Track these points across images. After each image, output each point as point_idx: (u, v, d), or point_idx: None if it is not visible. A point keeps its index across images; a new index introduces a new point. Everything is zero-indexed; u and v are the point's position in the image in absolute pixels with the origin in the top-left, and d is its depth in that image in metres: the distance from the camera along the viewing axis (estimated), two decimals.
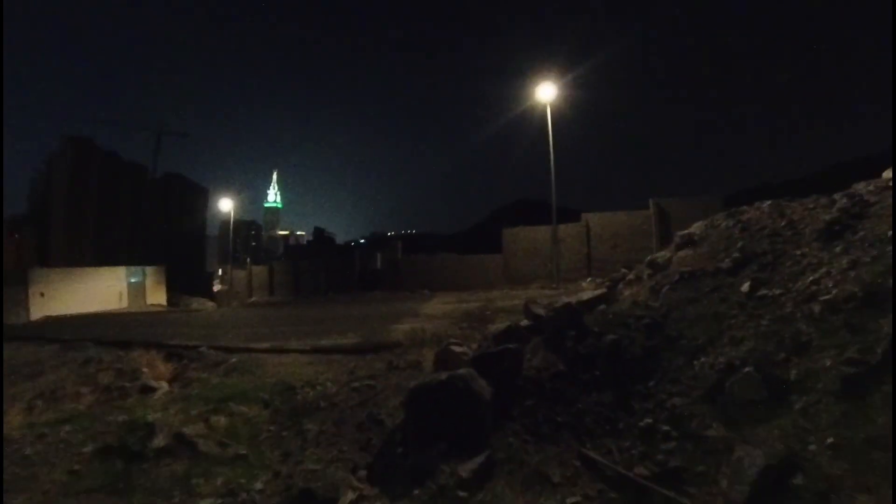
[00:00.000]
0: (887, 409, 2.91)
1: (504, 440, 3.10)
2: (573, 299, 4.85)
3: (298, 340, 7.63)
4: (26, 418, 6.27)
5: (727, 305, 4.58)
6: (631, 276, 6.95)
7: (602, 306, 4.85)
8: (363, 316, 11.18)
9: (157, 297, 30.09)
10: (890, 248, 4.23)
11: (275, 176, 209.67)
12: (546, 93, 19.36)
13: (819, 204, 6.49)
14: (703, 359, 3.93)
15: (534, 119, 20.96)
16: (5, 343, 11.81)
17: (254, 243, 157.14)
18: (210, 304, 33.18)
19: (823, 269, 4.61)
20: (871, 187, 5.96)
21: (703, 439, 3.30)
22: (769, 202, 7.32)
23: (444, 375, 3.15)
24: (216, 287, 47.71)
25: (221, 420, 4.61)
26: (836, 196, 6.35)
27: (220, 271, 57.25)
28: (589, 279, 17.74)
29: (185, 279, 38.12)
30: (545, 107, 19.52)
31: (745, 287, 4.77)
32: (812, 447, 2.96)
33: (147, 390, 6.72)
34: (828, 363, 3.50)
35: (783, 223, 6.06)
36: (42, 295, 23.88)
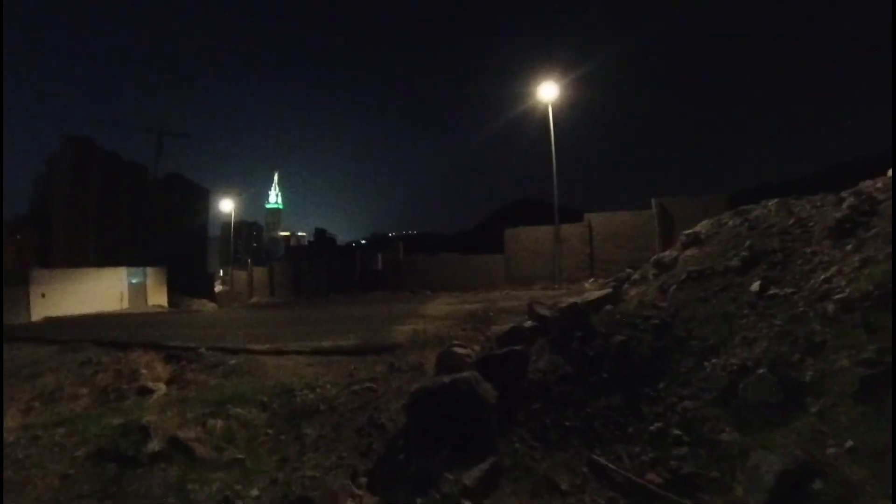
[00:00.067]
0: None
1: (510, 446, 2.99)
2: (579, 299, 4.73)
3: (298, 342, 7.52)
4: (24, 419, 6.18)
5: (737, 305, 4.47)
6: (636, 276, 6.83)
7: (608, 307, 4.73)
8: (364, 317, 11.06)
9: (158, 297, 30.00)
10: None
11: (276, 177, 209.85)
12: (548, 92, 19.26)
13: (827, 202, 6.38)
14: (714, 360, 3.81)
15: (535, 119, 20.87)
16: (5, 343, 11.75)
17: (255, 244, 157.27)
18: (211, 305, 33.12)
19: (835, 268, 4.51)
20: (878, 185, 5.85)
21: (716, 444, 3.19)
22: (776, 200, 7.21)
23: (447, 378, 3.03)
24: (217, 288, 47.66)
25: (218, 423, 4.49)
26: (844, 194, 6.25)
27: (221, 272, 57.21)
28: (591, 279, 17.61)
29: (187, 280, 38.05)
30: (546, 106, 19.42)
31: (756, 286, 4.66)
32: (831, 451, 2.85)
33: (145, 392, 6.62)
34: (844, 364, 3.39)
35: (792, 221, 5.95)
36: (43, 295, 23.80)
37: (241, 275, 35.72)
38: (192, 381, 6.68)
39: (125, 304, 27.20)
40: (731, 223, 7.15)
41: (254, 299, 31.09)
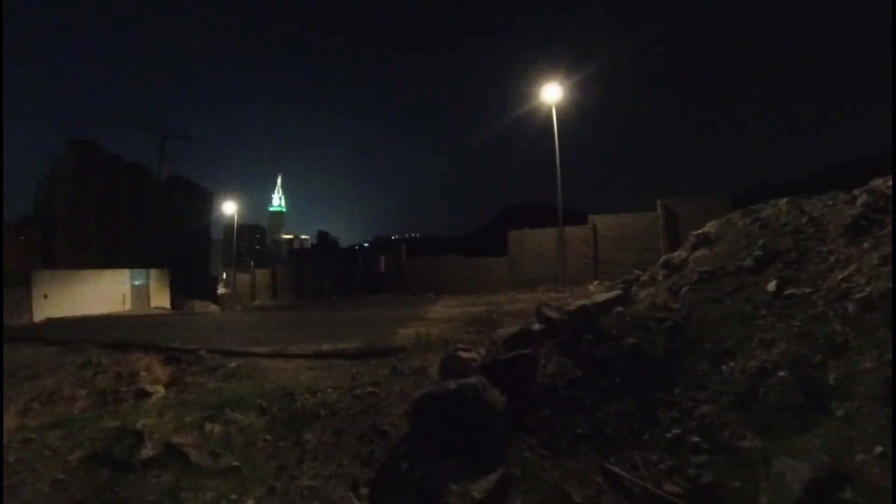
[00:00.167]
0: None
1: (519, 454, 2.82)
2: (588, 301, 4.57)
3: (299, 345, 7.39)
4: (21, 421, 6.08)
5: (753, 306, 4.31)
6: (645, 278, 6.67)
7: (618, 309, 4.57)
8: (366, 319, 10.93)
9: (160, 299, 30.01)
10: None
11: (279, 180, 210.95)
12: (551, 94, 19.16)
13: (839, 200, 6.27)
14: (731, 363, 3.65)
15: (537, 120, 20.77)
16: (6, 344, 11.71)
17: (258, 247, 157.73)
18: (214, 308, 33.06)
19: (853, 266, 4.38)
20: (889, 183, 5.77)
21: (736, 451, 3.02)
22: (785, 200, 7.10)
23: (452, 384, 2.88)
24: (220, 290, 47.67)
25: (216, 428, 4.35)
26: (856, 192, 6.16)
27: (224, 274, 57.31)
28: (596, 282, 17.43)
29: (190, 282, 38.09)
30: (549, 108, 19.31)
31: (772, 286, 4.51)
32: (860, 457, 2.70)
33: (143, 395, 6.51)
34: (868, 365, 3.25)
35: (805, 220, 5.82)
36: (45, 296, 23.86)
37: (244, 277, 35.68)
38: (191, 384, 6.57)
39: (128, 306, 27.24)
40: (740, 223, 7.01)
41: (256, 302, 31.03)
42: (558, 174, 18.56)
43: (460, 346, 5.02)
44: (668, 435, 3.13)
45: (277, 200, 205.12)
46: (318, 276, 28.82)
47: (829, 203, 6.28)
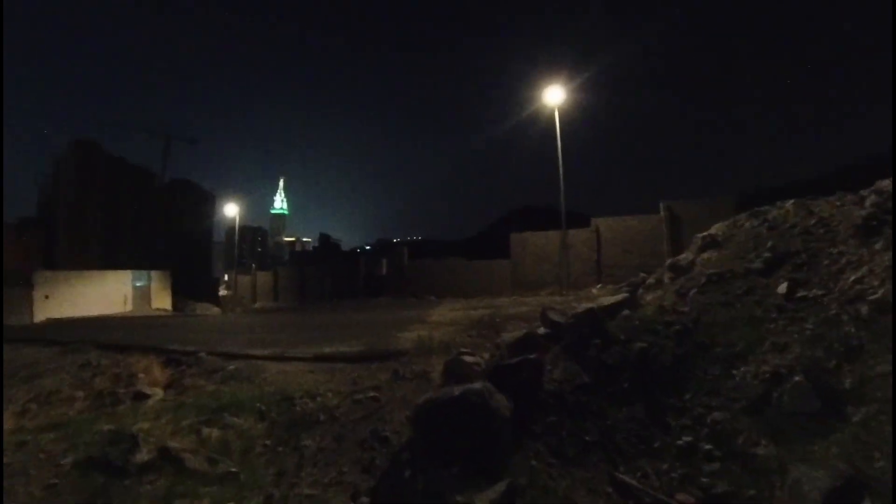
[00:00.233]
0: None
1: (525, 463, 2.72)
2: (594, 305, 4.46)
3: (300, 347, 7.29)
4: (18, 422, 6.01)
5: (764, 309, 4.21)
6: (651, 280, 6.57)
7: (625, 312, 4.46)
8: (368, 322, 10.83)
9: (162, 301, 29.96)
10: None
11: (281, 183, 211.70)
12: (554, 96, 19.09)
13: (846, 201, 6.20)
14: (743, 367, 3.55)
15: (539, 123, 20.70)
16: (6, 345, 11.67)
17: (260, 249, 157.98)
18: (215, 310, 32.99)
19: (866, 268, 4.29)
20: None
21: (751, 458, 2.92)
22: (792, 201, 7.04)
23: (457, 390, 2.77)
24: (222, 292, 47.59)
25: (213, 432, 4.26)
26: (863, 192, 6.12)
27: (226, 277, 57.26)
28: (599, 285, 17.31)
29: (191, 284, 37.99)
30: (550, 110, 19.24)
31: (782, 288, 4.42)
32: (879, 464, 2.61)
33: (141, 397, 6.43)
34: (884, 369, 3.17)
35: (814, 221, 5.74)
36: (46, 297, 23.84)
37: (245, 279, 35.63)
38: (190, 387, 6.48)
39: (129, 307, 27.20)
40: (747, 224, 6.93)
41: (257, 304, 30.99)
42: (561, 177, 18.47)
43: (463, 350, 4.92)
44: (680, 442, 3.03)
45: (279, 203, 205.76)
46: (320, 278, 28.75)
47: (838, 204, 6.21)
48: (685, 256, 6.48)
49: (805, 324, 3.81)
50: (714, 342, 3.81)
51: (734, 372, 3.49)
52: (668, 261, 6.66)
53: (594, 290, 15.78)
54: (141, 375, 7.49)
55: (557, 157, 18.59)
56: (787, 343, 3.64)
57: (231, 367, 6.81)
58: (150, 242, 42.70)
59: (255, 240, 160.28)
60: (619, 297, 4.88)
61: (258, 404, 4.79)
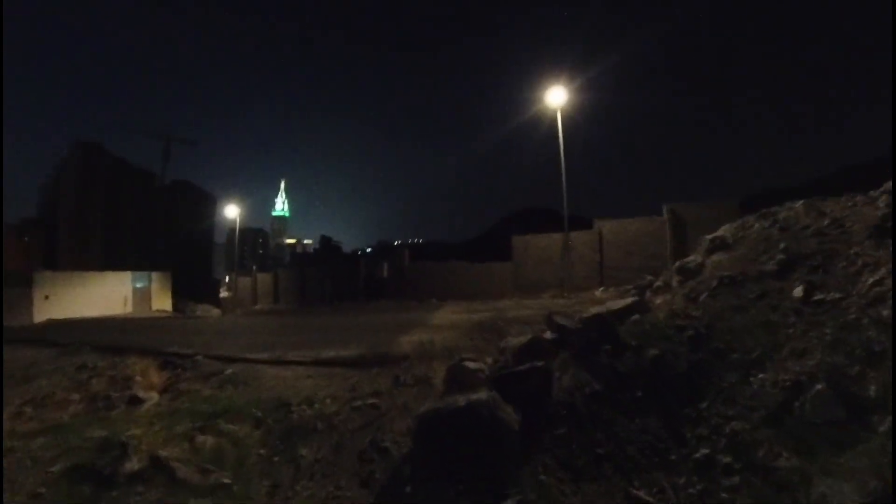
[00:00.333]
0: None
1: (534, 477, 2.55)
2: (603, 309, 4.30)
3: (298, 351, 7.13)
4: (10, 426, 5.87)
5: (780, 313, 4.05)
6: (659, 283, 6.42)
7: (635, 316, 4.30)
8: (368, 325, 10.67)
9: (162, 302, 29.84)
10: None
11: (282, 184, 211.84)
12: (556, 97, 18.95)
13: (857, 201, 6.09)
14: (760, 375, 3.39)
15: (540, 124, 20.55)
16: (5, 345, 11.54)
17: (261, 251, 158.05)
18: (216, 311, 32.88)
19: (884, 270, 4.14)
20: None
21: (772, 471, 2.75)
22: (802, 202, 6.93)
23: (461, 400, 2.61)
24: (223, 294, 47.54)
25: (208, 440, 4.10)
26: (874, 193, 6.03)
27: (227, 278, 57.27)
28: (602, 288, 17.13)
29: (192, 285, 37.96)
30: (552, 111, 19.10)
31: (798, 291, 4.26)
32: None
33: (136, 401, 6.27)
34: None
35: (826, 222, 5.59)
36: (47, 297, 23.74)
37: (246, 281, 35.50)
38: (186, 391, 6.32)
39: (129, 309, 27.08)
40: (757, 226, 6.78)
41: (258, 306, 30.83)
42: (564, 178, 18.32)
43: (466, 356, 4.75)
44: (697, 455, 2.87)
45: (281, 204, 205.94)
46: (321, 280, 28.58)
47: (849, 204, 6.09)
48: (693, 259, 6.33)
49: (824, 328, 3.66)
50: (730, 348, 3.65)
51: (752, 379, 3.33)
52: (677, 263, 6.50)
53: (597, 293, 15.61)
54: (137, 378, 7.34)
55: (560, 159, 18.46)
56: (806, 349, 3.48)
57: (228, 370, 6.65)
58: (150, 243, 42.67)
59: (257, 241, 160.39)
60: (628, 300, 4.71)
61: (254, 411, 4.63)
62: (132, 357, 8.57)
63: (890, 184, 5.81)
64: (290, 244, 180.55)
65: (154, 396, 6.46)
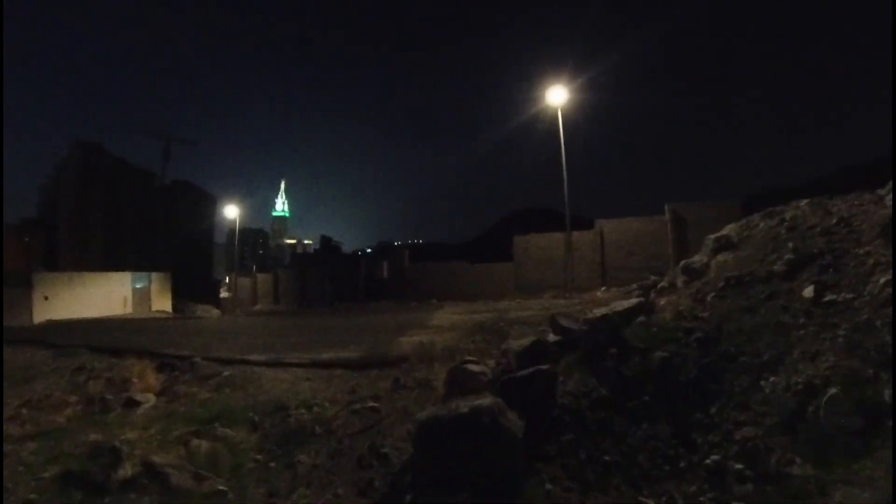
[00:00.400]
0: None
1: (540, 487, 2.45)
2: (608, 310, 4.18)
3: (297, 352, 7.03)
4: (7, 429, 5.78)
5: (790, 314, 3.94)
6: (663, 284, 6.30)
7: (641, 318, 4.19)
8: (368, 326, 10.57)
9: (162, 303, 29.73)
10: None
11: (283, 185, 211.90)
12: (557, 96, 18.84)
13: (865, 200, 5.99)
14: (772, 378, 3.28)
15: (541, 124, 20.44)
16: (4, 346, 11.46)
17: (261, 251, 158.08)
18: (215, 312, 32.75)
19: None
20: None
21: (786, 479, 2.65)
22: (807, 201, 6.83)
23: (464, 407, 2.50)
24: (223, 294, 47.45)
25: (203, 445, 4.00)
26: (881, 192, 5.94)
27: (227, 279, 57.18)
28: (604, 288, 17.03)
29: (192, 286, 37.85)
30: (552, 111, 18.99)
31: (809, 292, 4.15)
32: None
33: (132, 404, 6.17)
34: None
35: (834, 221, 5.49)
36: (46, 298, 23.64)
37: (245, 281, 35.41)
38: (183, 394, 6.22)
39: (129, 309, 26.96)
40: (762, 225, 6.67)
41: (258, 306, 30.76)
42: (565, 178, 18.22)
43: (468, 358, 4.64)
44: (708, 462, 2.77)
45: (281, 205, 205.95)
46: (321, 281, 28.48)
47: (856, 203, 5.99)
48: (699, 259, 6.21)
49: (837, 330, 3.56)
50: (739, 351, 3.55)
51: (763, 383, 3.22)
52: (682, 263, 6.38)
53: (598, 293, 15.51)
54: (134, 380, 7.24)
55: (561, 158, 18.33)
56: (818, 351, 3.38)
57: (226, 372, 6.56)
58: (150, 243, 42.59)
59: (257, 242, 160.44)
60: (633, 301, 4.60)
61: (251, 414, 4.53)
62: (130, 359, 8.47)
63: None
64: (290, 244, 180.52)
65: (151, 399, 6.36)
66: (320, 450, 3.48)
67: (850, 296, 3.95)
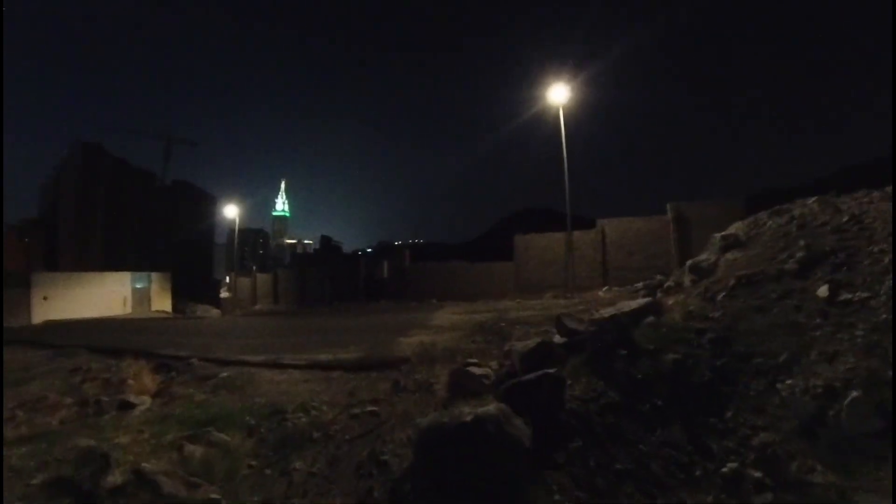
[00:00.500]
0: None
1: (548, 498, 2.30)
2: (616, 310, 4.04)
3: (296, 353, 6.91)
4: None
5: (805, 314, 3.81)
6: (670, 283, 6.18)
7: (650, 318, 4.05)
8: (368, 326, 10.45)
9: (162, 303, 29.66)
10: None
11: (283, 185, 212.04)
12: (558, 95, 18.70)
13: (875, 198, 5.89)
14: (789, 381, 3.14)
15: (543, 124, 20.29)
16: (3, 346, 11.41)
17: (261, 251, 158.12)
18: (215, 312, 32.65)
19: None
20: None
21: (807, 487, 2.52)
22: (815, 198, 6.72)
23: (468, 414, 2.37)
24: (223, 294, 47.37)
25: (197, 450, 3.87)
26: (889, 189, 5.85)
27: (227, 279, 57.19)
28: (605, 287, 16.88)
29: (192, 286, 37.81)
30: (554, 110, 18.85)
31: (823, 291, 4.02)
32: None
33: (126, 406, 6.05)
34: None
35: (846, 218, 5.37)
36: (45, 298, 23.59)
37: (245, 281, 35.29)
38: (179, 396, 6.10)
39: (128, 310, 26.90)
40: (771, 223, 6.55)
41: (257, 306, 30.64)
42: (566, 177, 18.08)
43: (470, 360, 4.50)
44: (724, 469, 2.63)
45: (281, 205, 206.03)
46: (320, 280, 28.36)
47: (865, 200, 5.89)
48: (706, 257, 6.08)
49: (854, 330, 3.43)
50: (753, 352, 3.41)
51: (780, 386, 3.08)
52: (689, 262, 6.25)
53: (600, 293, 15.36)
54: (130, 382, 7.14)
55: (562, 157, 18.20)
56: (836, 352, 3.24)
57: (223, 374, 6.44)
58: (150, 243, 42.53)
59: (257, 242, 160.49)
60: (641, 301, 4.46)
61: (248, 418, 4.40)
62: (127, 359, 8.37)
63: None
64: (290, 244, 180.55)
65: (146, 401, 6.24)
66: (318, 456, 3.35)
67: (865, 295, 3.82)
